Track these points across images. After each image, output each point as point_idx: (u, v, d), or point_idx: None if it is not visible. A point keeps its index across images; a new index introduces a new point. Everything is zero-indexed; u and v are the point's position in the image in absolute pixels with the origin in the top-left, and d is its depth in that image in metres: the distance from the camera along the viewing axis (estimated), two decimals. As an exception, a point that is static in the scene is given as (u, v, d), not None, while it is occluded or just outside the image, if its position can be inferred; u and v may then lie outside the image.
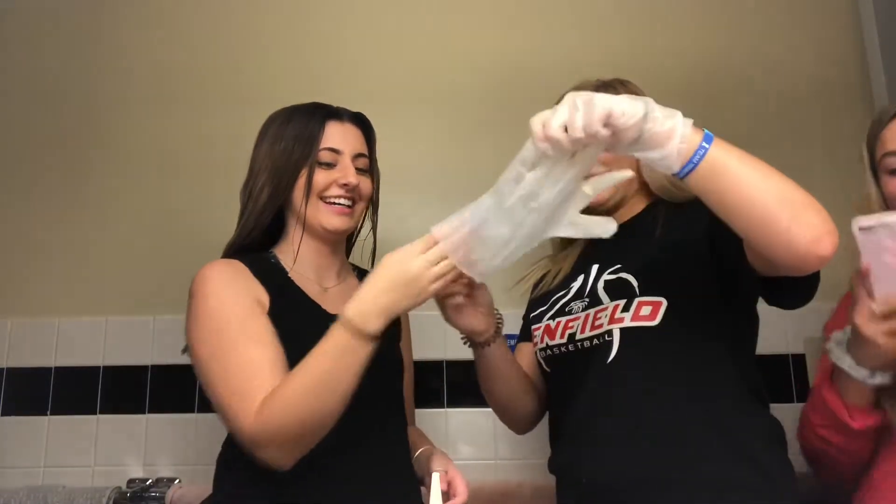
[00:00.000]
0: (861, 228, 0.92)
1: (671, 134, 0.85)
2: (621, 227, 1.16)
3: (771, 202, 0.86)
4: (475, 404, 1.63)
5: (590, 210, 1.23)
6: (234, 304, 1.07)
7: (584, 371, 1.09)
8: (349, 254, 1.37)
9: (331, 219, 1.21)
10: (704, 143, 0.85)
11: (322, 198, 1.21)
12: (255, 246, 1.24)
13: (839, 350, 1.01)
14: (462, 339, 1.17)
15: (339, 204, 1.21)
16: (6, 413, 1.62)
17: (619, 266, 1.13)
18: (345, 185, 1.21)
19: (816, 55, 1.81)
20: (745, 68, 1.79)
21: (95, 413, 1.62)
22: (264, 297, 1.11)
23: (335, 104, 1.27)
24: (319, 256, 1.26)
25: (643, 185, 1.21)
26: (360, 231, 1.32)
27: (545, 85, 1.78)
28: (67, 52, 1.82)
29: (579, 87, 1.18)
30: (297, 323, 1.10)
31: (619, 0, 1.84)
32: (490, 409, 1.64)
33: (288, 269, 1.21)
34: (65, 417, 1.62)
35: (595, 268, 1.18)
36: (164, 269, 1.69)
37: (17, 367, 1.65)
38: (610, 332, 1.07)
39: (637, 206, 1.22)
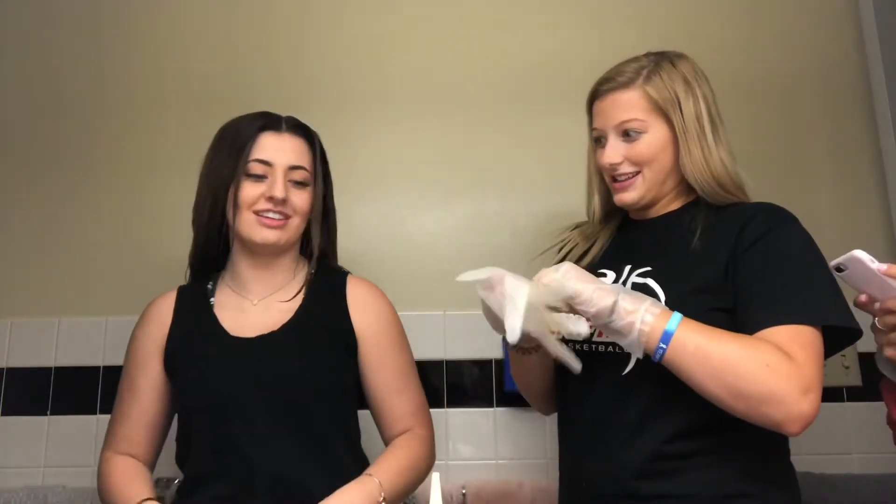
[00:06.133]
0: (836, 269, 0.94)
1: (631, 329, 0.94)
2: (657, 221, 1.18)
3: (725, 397, 0.93)
4: (475, 404, 1.63)
5: (620, 210, 1.24)
6: (135, 352, 1.27)
7: (598, 377, 1.08)
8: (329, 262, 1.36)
9: (260, 231, 1.20)
10: (662, 344, 0.94)
11: (254, 211, 1.20)
12: (217, 257, 1.30)
13: (882, 362, 1.00)
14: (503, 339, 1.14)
15: (270, 217, 1.20)
16: (6, 413, 1.62)
17: (648, 269, 1.10)
18: (271, 198, 1.19)
19: (816, 55, 1.81)
20: (746, 68, 1.79)
21: (95, 413, 1.62)
22: (164, 335, 1.26)
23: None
24: (253, 269, 1.27)
25: (681, 182, 1.16)
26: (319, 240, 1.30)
27: (545, 85, 1.80)
28: (66, 55, 1.82)
29: (626, 63, 1.15)
30: (193, 350, 1.23)
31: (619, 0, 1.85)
32: (490, 410, 1.65)
33: (218, 288, 1.29)
34: (65, 417, 1.62)
35: (627, 269, 1.13)
36: (164, 270, 1.69)
37: (17, 367, 1.64)
38: None
39: (674, 203, 1.17)
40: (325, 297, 1.28)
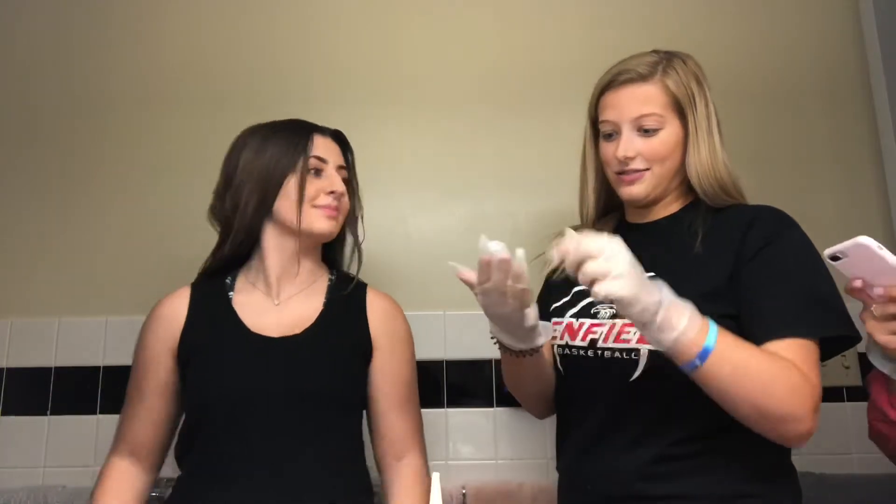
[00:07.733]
0: (832, 258, 0.93)
1: (670, 339, 0.91)
2: (657, 224, 1.17)
3: (751, 416, 0.94)
4: (475, 404, 1.63)
5: (614, 211, 1.23)
6: (142, 354, 1.26)
7: (604, 382, 1.08)
8: (342, 266, 1.37)
9: (321, 222, 1.25)
10: (697, 361, 0.91)
11: (313, 205, 1.24)
12: (244, 255, 1.30)
13: (874, 353, 1.00)
14: (492, 338, 1.11)
15: (330, 209, 1.25)
16: (6, 413, 1.62)
17: (651, 275, 1.05)
18: (332, 192, 1.25)
19: (816, 55, 1.81)
20: (747, 69, 1.79)
21: (95, 413, 1.62)
22: (175, 333, 1.25)
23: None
24: (280, 267, 1.28)
25: (683, 182, 1.15)
26: (354, 244, 1.35)
27: (545, 85, 1.80)
28: (68, 54, 1.82)
29: (638, 57, 1.14)
30: (211, 343, 1.22)
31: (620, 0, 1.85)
32: (490, 410, 1.65)
33: (238, 284, 1.29)
34: (65, 417, 1.62)
35: None
36: (164, 269, 1.69)
37: (17, 367, 1.64)
38: (637, 351, 1.05)
39: (674, 204, 1.17)
40: (346, 306, 1.30)
